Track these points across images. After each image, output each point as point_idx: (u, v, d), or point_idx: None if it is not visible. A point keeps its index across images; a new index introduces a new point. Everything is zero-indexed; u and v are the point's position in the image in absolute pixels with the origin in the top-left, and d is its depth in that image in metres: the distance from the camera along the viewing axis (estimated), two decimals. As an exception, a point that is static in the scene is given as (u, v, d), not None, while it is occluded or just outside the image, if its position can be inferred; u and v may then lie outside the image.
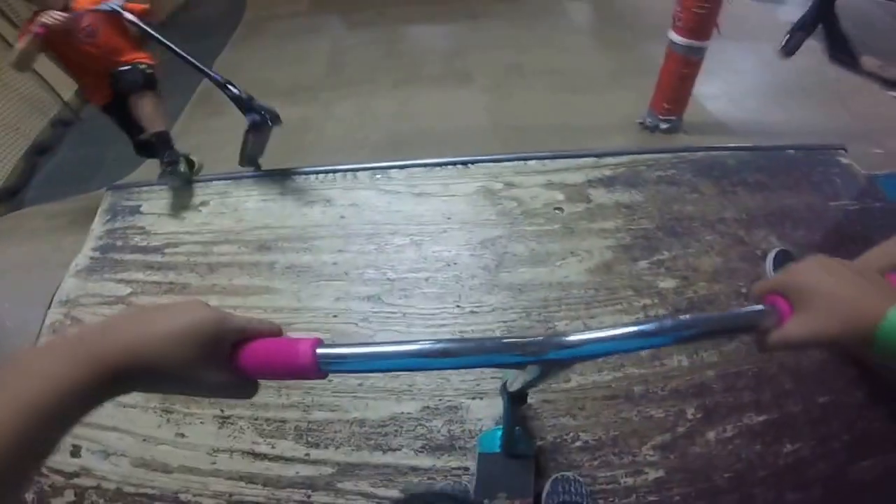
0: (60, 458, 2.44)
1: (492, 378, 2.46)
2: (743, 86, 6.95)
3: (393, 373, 2.50)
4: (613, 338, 0.85)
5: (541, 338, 0.85)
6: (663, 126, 5.64)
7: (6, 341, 2.94)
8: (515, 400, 1.61)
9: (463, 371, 2.50)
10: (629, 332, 0.85)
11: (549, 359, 0.86)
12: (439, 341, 0.83)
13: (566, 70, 7.22)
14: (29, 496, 2.36)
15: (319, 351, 0.81)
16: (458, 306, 2.76)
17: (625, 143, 5.48)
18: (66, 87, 8.57)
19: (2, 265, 3.37)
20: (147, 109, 3.98)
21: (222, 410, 2.50)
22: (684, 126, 5.70)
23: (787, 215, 3.06)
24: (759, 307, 0.87)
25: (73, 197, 5.27)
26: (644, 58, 7.04)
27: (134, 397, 2.58)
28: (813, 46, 8.55)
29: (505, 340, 0.85)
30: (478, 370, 2.48)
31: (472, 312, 2.73)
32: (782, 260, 2.64)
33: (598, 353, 0.87)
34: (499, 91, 6.98)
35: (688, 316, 0.86)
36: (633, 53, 7.67)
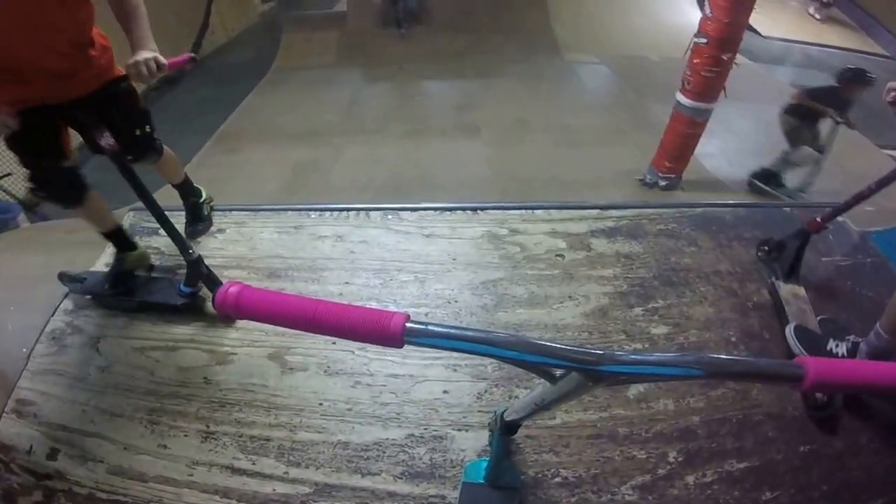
0: (35, 459, 2.44)
1: (479, 411, 2.49)
2: (740, 145, 7.05)
3: (384, 401, 2.55)
4: (657, 362, 0.89)
5: (600, 350, 0.89)
6: (662, 183, 5.71)
7: (2, 344, 2.93)
8: (507, 430, 1.63)
9: (452, 402, 2.53)
10: (669, 359, 0.89)
11: (601, 370, 0.89)
12: (506, 334, 0.89)
13: (570, 126, 7.33)
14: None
15: (409, 325, 0.87)
16: (456, 342, 2.75)
17: (623, 198, 5.54)
18: None
19: (14, 273, 3.38)
20: (169, 167, 3.38)
21: (208, 426, 2.51)
22: (683, 183, 5.77)
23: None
24: (789, 362, 0.89)
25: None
26: (647, 116, 7.14)
27: (122, 406, 2.60)
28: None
29: (560, 345, 0.89)
30: (468, 402, 2.52)
31: (467, 349, 2.72)
32: (803, 335, 2.65)
33: (642, 375, 0.91)
34: (503, 144, 7.07)
35: (727, 356, 0.90)
36: (636, 112, 7.78)
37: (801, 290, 2.84)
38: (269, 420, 2.52)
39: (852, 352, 2.43)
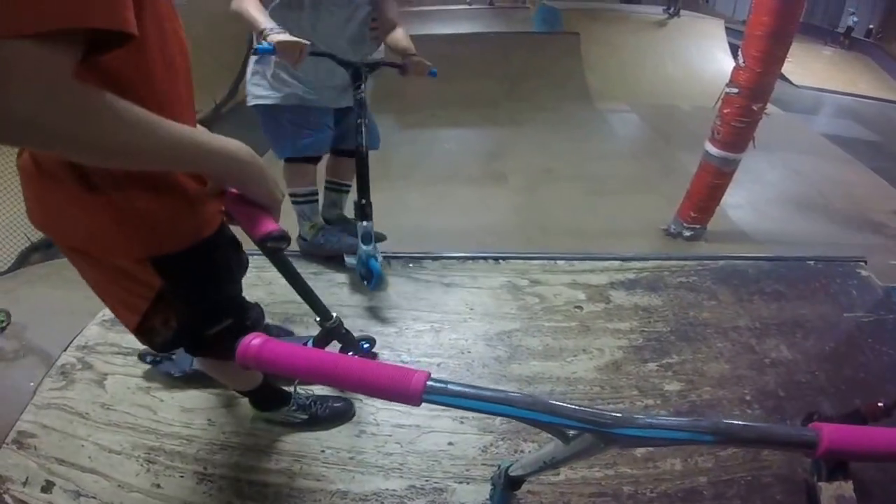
0: (29, 491, 2.38)
1: (483, 464, 2.40)
2: (767, 195, 6.93)
3: (388, 451, 2.46)
4: (670, 426, 0.87)
5: (616, 413, 0.88)
6: (687, 234, 5.60)
7: (10, 376, 2.91)
8: (511, 485, 1.56)
9: (456, 454, 2.44)
10: (682, 425, 0.87)
11: (615, 433, 0.87)
12: (523, 394, 0.88)
13: (597, 174, 7.26)
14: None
15: (430, 383, 0.85)
16: (462, 394, 2.67)
17: (647, 248, 5.44)
18: None
19: (31, 307, 3.35)
20: None
21: (205, 468, 2.43)
22: (707, 234, 5.66)
23: (799, 325, 3.00)
24: (803, 429, 0.88)
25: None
26: (675, 166, 7.06)
27: (121, 444, 2.53)
28: (839, 155, 8.56)
29: (575, 407, 0.88)
30: (473, 454, 2.43)
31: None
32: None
33: (655, 439, 0.88)
34: (530, 192, 7.00)
35: (740, 423, 0.87)
36: (664, 161, 7.70)
37: (849, 488, 2.58)
38: (269, 465, 2.43)
39: None
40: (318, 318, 2.54)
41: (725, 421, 0.87)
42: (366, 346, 2.81)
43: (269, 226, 1.40)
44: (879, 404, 2.38)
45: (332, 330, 2.60)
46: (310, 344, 2.69)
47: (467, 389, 0.87)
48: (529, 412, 0.86)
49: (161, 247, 1.50)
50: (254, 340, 0.88)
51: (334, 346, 2.65)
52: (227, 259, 1.79)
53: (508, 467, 1.57)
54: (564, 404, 0.86)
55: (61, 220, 1.46)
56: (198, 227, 1.55)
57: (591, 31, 11.31)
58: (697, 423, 0.86)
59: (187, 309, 1.69)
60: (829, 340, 2.92)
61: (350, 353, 2.54)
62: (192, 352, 2.00)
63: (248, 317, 1.94)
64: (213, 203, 1.56)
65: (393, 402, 2.24)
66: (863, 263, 3.49)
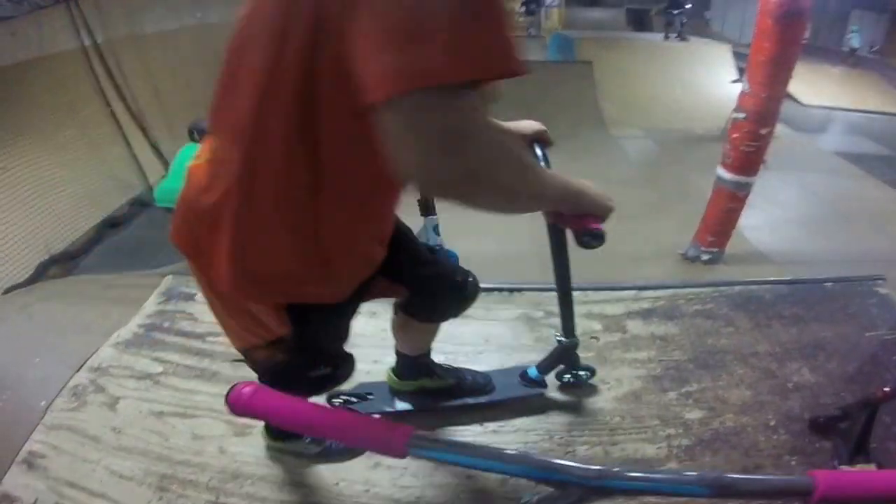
0: None
1: (503, 497, 2.30)
2: (784, 216, 6.92)
3: (403, 483, 2.38)
4: (659, 480, 0.89)
5: (600, 466, 0.88)
6: (704, 257, 5.56)
7: (21, 394, 2.88)
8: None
9: (475, 487, 2.36)
10: (671, 479, 0.90)
11: (602, 485, 0.88)
12: (510, 452, 0.96)
13: (613, 200, 7.23)
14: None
15: (413, 438, 0.88)
16: (481, 425, 2.64)
17: (665, 273, 5.39)
18: (155, 172, 8.88)
19: (45, 323, 3.35)
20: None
21: (217, 497, 2.35)
22: (725, 257, 5.60)
23: (820, 347, 2.93)
24: (798, 477, 0.90)
25: (131, 272, 5.28)
26: (690, 190, 7.04)
27: (133, 470, 2.46)
28: (852, 171, 8.50)
29: (562, 462, 0.91)
30: (492, 487, 2.34)
31: (494, 432, 2.60)
32: None
33: (643, 491, 0.97)
34: (545, 222, 6.97)
35: (733, 475, 0.94)
36: (680, 185, 7.69)
37: (872, 469, 2.51)
38: (282, 496, 2.35)
39: None
40: (558, 334, 2.59)
41: (717, 473, 0.91)
42: (584, 374, 2.77)
43: (592, 223, 1.65)
44: (885, 389, 2.31)
45: (567, 349, 2.59)
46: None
47: (453, 446, 0.86)
48: (516, 467, 0.93)
49: (317, 297, 1.51)
50: (245, 389, 0.94)
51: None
52: (349, 318, 1.90)
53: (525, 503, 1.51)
54: (550, 460, 0.93)
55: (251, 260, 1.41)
56: (350, 287, 1.57)
57: (604, 59, 11.47)
58: (686, 477, 0.89)
59: (298, 353, 1.67)
60: (852, 361, 2.85)
61: (566, 377, 2.74)
62: (276, 383, 1.97)
63: (345, 368, 2.05)
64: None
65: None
66: (881, 281, 3.44)
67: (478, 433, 2.59)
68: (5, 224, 6.49)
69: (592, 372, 2.76)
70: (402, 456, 0.86)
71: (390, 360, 2.87)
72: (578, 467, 0.85)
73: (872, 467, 2.35)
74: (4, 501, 2.38)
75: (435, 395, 2.66)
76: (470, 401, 2.67)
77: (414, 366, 2.59)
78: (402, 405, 2.66)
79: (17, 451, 2.55)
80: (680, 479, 0.84)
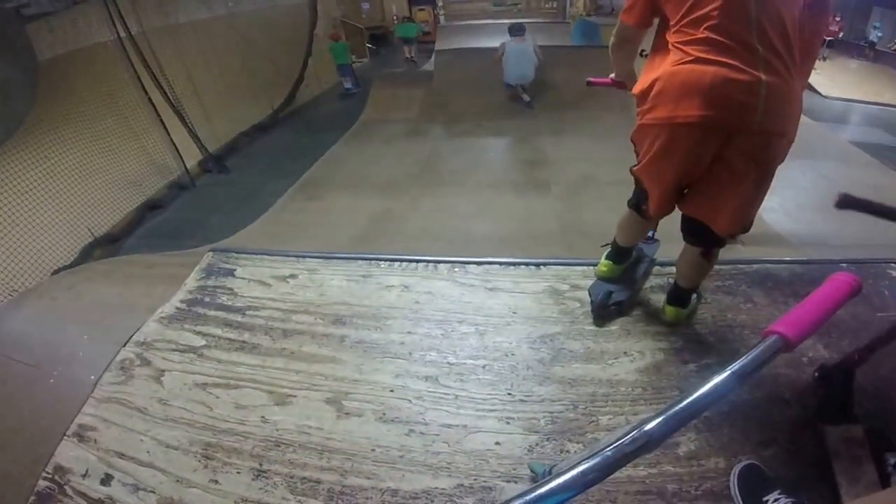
0: (89, 484, 2.40)
1: (532, 461, 2.36)
2: (800, 200, 6.87)
3: (436, 450, 2.45)
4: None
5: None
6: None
7: (71, 369, 2.95)
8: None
9: (503, 453, 2.41)
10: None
11: None
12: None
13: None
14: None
15: None
16: (509, 394, 2.67)
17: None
18: (191, 156, 9.05)
19: (92, 303, 3.43)
20: None
21: (260, 464, 2.43)
22: (741, 238, 5.59)
23: (834, 325, 2.92)
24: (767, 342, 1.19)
25: (172, 252, 5.35)
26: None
27: (178, 440, 2.55)
28: (868, 160, 8.44)
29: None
30: (519, 454, 2.40)
31: (521, 401, 2.64)
32: (746, 476, 2.42)
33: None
34: (572, 199, 6.99)
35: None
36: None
37: (858, 431, 2.46)
38: (322, 463, 2.42)
39: None
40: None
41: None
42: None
43: (618, 86, 2.98)
44: (855, 354, 2.45)
45: None
46: None
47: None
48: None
49: None
50: None
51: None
52: None
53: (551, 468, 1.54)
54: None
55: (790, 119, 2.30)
56: None
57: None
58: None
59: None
60: (863, 339, 2.85)
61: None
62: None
63: None
64: None
65: (442, 403, 2.25)
66: (894, 264, 3.42)
67: (506, 401, 2.64)
68: (52, 211, 6.61)
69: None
70: None
71: (423, 330, 2.98)
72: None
73: (857, 428, 2.39)
74: (57, 473, 2.46)
75: None
76: None
77: None
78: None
79: (68, 425, 2.64)
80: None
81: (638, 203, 2.83)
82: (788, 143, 2.27)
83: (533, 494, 0.88)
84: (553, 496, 0.87)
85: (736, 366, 0.96)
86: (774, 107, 2.13)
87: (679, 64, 2.21)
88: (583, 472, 0.88)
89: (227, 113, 11.43)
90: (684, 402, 0.94)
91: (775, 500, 2.14)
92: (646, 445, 0.90)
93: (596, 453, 0.90)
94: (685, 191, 2.56)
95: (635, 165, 2.65)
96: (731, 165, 2.29)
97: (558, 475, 0.89)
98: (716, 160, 2.31)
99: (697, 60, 2.16)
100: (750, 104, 2.11)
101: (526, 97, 11.44)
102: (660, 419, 0.92)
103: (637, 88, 2.46)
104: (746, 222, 2.57)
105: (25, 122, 7.08)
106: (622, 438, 0.92)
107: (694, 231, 2.68)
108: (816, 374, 2.61)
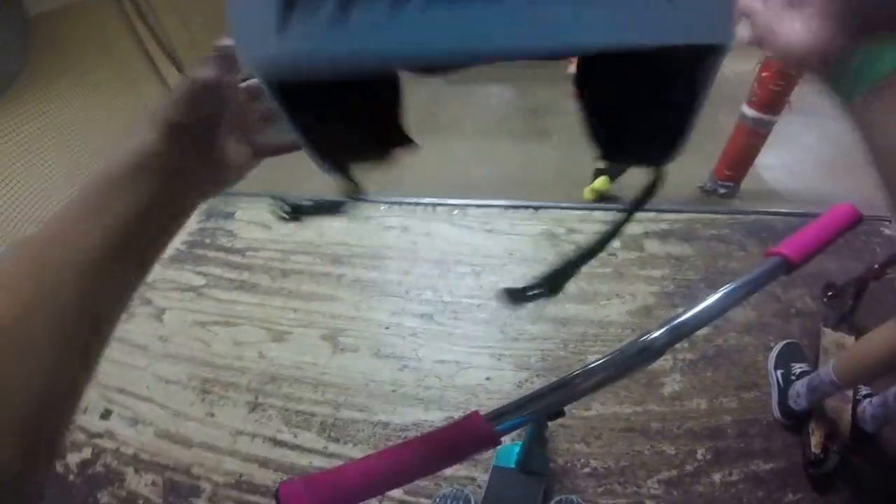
0: (89, 418, 2.46)
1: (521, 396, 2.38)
2: (800, 157, 6.82)
3: (428, 384, 2.49)
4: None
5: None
6: (721, 191, 5.53)
7: None
8: (549, 415, 1.57)
9: (493, 388, 2.47)
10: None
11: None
12: None
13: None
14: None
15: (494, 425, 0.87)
16: (502, 332, 2.71)
17: (681, 203, 5.40)
18: None
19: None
20: None
21: (256, 398, 2.49)
22: (740, 193, 5.60)
23: (823, 278, 2.93)
24: (767, 263, 1.08)
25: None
26: (714, 127, 6.94)
27: (178, 375, 2.60)
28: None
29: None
30: (508, 389, 2.45)
31: (513, 339, 2.67)
32: (785, 353, 2.49)
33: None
34: (572, 148, 6.94)
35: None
36: (707, 123, 7.50)
37: (850, 341, 2.59)
38: (316, 396, 2.47)
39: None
40: None
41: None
42: None
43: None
44: (875, 266, 2.54)
45: None
46: None
47: (524, 402, 0.92)
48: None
49: None
50: (295, 487, 0.76)
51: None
52: None
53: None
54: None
55: None
56: None
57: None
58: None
59: None
60: (852, 293, 2.88)
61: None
62: None
63: None
64: None
65: (436, 340, 2.28)
66: (887, 223, 3.42)
67: (499, 339, 2.67)
68: (46, 164, 6.61)
69: None
70: (497, 442, 0.85)
71: (420, 270, 3.01)
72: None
73: (850, 338, 2.49)
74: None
75: None
76: None
77: None
78: None
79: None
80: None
81: None
82: None
83: (540, 394, 0.92)
84: (554, 394, 0.90)
85: (738, 282, 0.98)
86: None
87: None
88: (585, 374, 0.90)
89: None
90: (687, 315, 0.95)
91: (801, 368, 2.33)
92: (648, 352, 0.93)
93: (602, 359, 0.92)
94: None
95: None
96: None
97: (562, 380, 0.91)
98: None
99: None
100: None
101: None
102: (664, 329, 0.95)
103: None
104: None
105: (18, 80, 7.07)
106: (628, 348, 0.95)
107: None
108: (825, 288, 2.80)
